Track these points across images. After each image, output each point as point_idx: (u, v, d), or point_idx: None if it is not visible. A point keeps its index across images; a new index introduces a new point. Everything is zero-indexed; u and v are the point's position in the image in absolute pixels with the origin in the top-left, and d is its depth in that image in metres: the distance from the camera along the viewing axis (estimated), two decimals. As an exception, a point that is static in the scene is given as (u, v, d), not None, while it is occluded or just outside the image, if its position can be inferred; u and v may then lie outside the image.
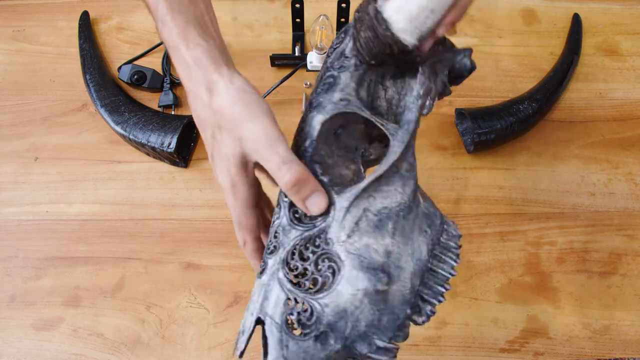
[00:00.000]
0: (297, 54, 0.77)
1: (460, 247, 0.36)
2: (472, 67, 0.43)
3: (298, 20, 0.77)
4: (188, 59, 0.37)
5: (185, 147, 0.70)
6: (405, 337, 0.33)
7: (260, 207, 0.41)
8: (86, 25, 0.80)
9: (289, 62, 0.78)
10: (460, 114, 0.71)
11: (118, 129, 0.68)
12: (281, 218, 0.36)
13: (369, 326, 0.32)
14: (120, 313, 0.61)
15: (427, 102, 0.38)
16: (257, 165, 0.37)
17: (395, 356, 0.33)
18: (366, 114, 0.38)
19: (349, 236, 0.33)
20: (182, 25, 0.37)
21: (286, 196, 0.36)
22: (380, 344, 0.32)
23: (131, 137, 0.67)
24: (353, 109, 0.38)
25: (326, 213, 0.35)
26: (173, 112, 0.73)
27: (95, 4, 0.83)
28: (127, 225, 0.67)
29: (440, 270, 0.35)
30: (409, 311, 0.33)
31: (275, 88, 0.72)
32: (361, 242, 0.33)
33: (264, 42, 0.81)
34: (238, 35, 0.82)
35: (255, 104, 0.35)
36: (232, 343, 0.49)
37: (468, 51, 0.42)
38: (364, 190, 0.35)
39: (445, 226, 0.36)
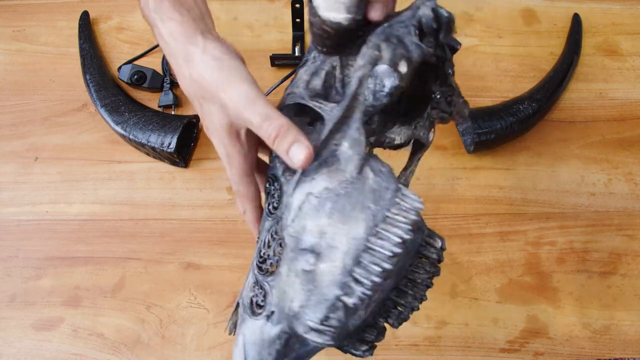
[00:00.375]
0: (297, 54, 0.77)
1: (417, 221, 0.33)
2: (442, 15, 0.37)
3: (298, 20, 0.77)
4: (164, 33, 0.37)
5: (185, 147, 0.70)
6: (340, 320, 0.32)
7: (261, 175, 0.42)
8: (86, 25, 0.80)
9: (289, 62, 0.78)
10: (460, 114, 0.71)
11: (118, 129, 0.68)
12: (264, 210, 0.38)
13: (301, 307, 0.33)
14: (120, 313, 0.61)
15: (394, 71, 0.36)
16: (250, 131, 0.36)
17: (334, 339, 0.33)
18: (306, 101, 0.38)
19: (292, 220, 0.34)
20: (158, 1, 0.37)
21: (266, 187, 0.37)
22: (312, 324, 0.32)
23: (131, 137, 0.67)
24: (295, 99, 0.38)
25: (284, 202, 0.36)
26: (173, 112, 0.73)
27: (95, 4, 0.83)
28: (127, 225, 0.67)
29: (378, 249, 0.32)
30: (337, 292, 0.32)
31: (275, 88, 0.72)
32: (300, 225, 0.33)
33: (264, 42, 0.81)
34: (238, 35, 0.82)
35: (231, 69, 0.35)
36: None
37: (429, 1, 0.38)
38: (304, 174, 0.34)
39: (398, 199, 0.33)
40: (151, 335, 0.60)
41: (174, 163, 0.70)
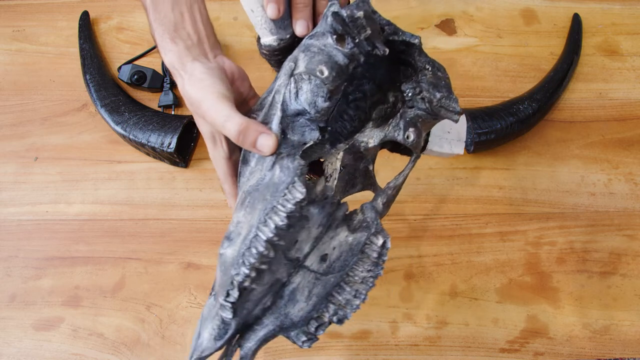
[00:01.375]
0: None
1: (293, 209, 0.36)
2: (342, 15, 0.39)
3: None
4: (167, 61, 0.44)
5: (185, 147, 0.70)
6: (236, 297, 0.37)
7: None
8: (86, 25, 0.80)
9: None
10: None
11: (118, 129, 0.68)
12: None
13: (219, 285, 0.38)
14: (120, 313, 0.61)
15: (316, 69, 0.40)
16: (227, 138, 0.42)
17: (235, 316, 0.38)
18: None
19: (235, 215, 0.40)
20: (160, 35, 0.43)
21: None
22: (220, 300, 0.37)
23: (131, 137, 0.67)
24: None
25: None
26: (173, 112, 0.73)
27: (95, 4, 0.83)
28: (127, 225, 0.67)
29: (260, 234, 0.36)
30: (233, 271, 0.36)
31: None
32: (233, 218, 0.40)
33: (264, 42, 0.81)
34: (238, 35, 0.82)
35: (207, 87, 0.41)
36: None
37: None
38: (241, 174, 0.42)
39: (287, 190, 0.37)
40: (151, 335, 0.60)
41: (174, 163, 0.70)
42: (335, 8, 0.39)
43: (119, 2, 0.84)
